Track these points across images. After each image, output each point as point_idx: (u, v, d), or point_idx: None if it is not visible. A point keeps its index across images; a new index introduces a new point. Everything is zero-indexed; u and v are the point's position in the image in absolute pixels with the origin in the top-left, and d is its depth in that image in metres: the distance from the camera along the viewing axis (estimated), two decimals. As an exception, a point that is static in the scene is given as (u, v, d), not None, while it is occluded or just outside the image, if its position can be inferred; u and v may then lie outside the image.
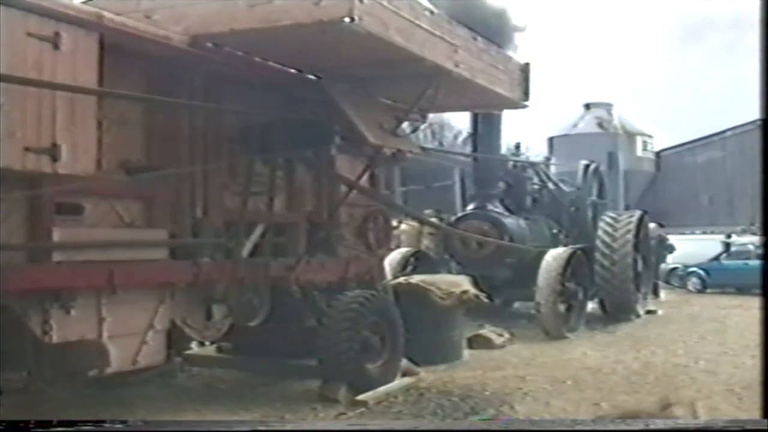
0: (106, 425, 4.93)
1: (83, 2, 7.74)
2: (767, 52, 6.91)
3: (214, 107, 8.79)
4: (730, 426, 4.41)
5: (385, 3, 7.95)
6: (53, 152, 6.64)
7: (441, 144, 47.80)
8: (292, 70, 9.22)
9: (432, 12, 8.87)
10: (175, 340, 8.73)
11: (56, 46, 6.66)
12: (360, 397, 9.46)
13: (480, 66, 9.81)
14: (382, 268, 11.81)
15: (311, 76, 9.38)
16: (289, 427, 5.58)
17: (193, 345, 10.35)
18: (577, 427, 5.29)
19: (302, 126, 9.38)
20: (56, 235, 7.19)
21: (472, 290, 12.84)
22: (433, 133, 48.80)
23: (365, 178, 10.96)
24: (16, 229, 6.94)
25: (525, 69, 11.07)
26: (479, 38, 9.89)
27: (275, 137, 9.24)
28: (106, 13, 7.17)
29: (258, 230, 9.53)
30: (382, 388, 9.87)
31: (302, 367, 10.07)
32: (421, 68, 8.92)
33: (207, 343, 10.49)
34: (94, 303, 7.50)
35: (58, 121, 6.69)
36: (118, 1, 7.88)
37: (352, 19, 7.53)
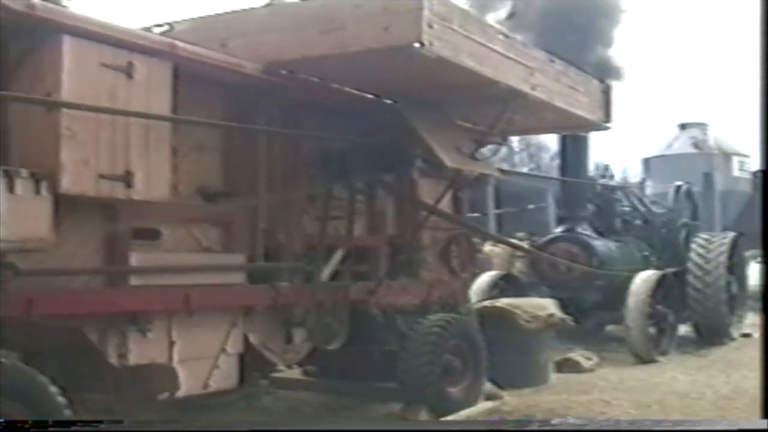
0: (102, 425, 4.88)
1: (161, 32, 7.83)
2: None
3: (291, 133, 8.77)
4: (730, 427, 4.21)
5: (455, 27, 7.85)
6: (127, 179, 6.69)
7: (538, 166, 47.37)
8: (369, 95, 9.15)
9: (506, 35, 8.74)
10: (258, 363, 8.71)
11: (130, 76, 6.71)
12: (441, 420, 9.32)
13: (558, 88, 9.64)
14: (465, 292, 11.63)
15: (388, 101, 9.29)
16: (289, 427, 5.46)
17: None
18: (581, 428, 5.08)
19: (382, 150, 9.33)
20: (133, 260, 7.22)
21: (558, 313, 12.61)
22: (531, 156, 48.43)
23: (449, 201, 10.87)
24: (93, 254, 6.98)
25: (606, 90, 10.85)
26: (557, 60, 9.72)
27: (354, 162, 9.19)
28: (179, 43, 7.20)
29: (338, 254, 9.45)
30: (463, 412, 9.72)
31: (384, 390, 9.98)
32: (496, 91, 8.78)
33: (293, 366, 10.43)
34: (165, 327, 7.50)
35: (132, 149, 6.73)
36: (195, 31, 7.92)
37: (422, 44, 7.45)
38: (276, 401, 10.74)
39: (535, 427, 5.56)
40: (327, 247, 9.15)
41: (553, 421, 8.45)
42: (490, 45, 8.45)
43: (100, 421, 5.22)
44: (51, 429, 4.32)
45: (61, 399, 6.03)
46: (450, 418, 9.42)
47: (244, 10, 8.16)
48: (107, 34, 6.60)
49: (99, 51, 6.53)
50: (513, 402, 10.74)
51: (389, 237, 10.27)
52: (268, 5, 8.20)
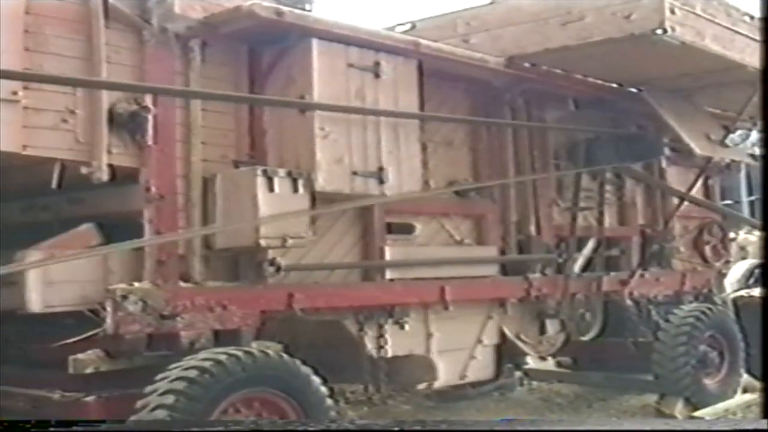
0: (103, 426, 4.66)
1: (404, 32, 7.69)
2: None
3: (537, 126, 8.46)
4: (731, 427, 3.67)
5: (698, 11, 7.34)
6: (380, 175, 6.53)
7: (792, 150, 44.47)
8: (612, 84, 8.67)
9: (752, 17, 8.07)
10: (511, 354, 8.43)
11: (377, 75, 6.56)
12: (697, 413, 8.70)
13: (810, 69, 8.81)
14: (720, 281, 10.90)
15: (632, 89, 8.77)
16: (284, 427, 5.11)
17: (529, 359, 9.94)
18: (581, 427, 4.56)
19: (629, 139, 8.88)
20: (389, 254, 7.09)
21: (819, 303, 11.58)
22: (788, 139, 45.55)
23: (699, 188, 10.26)
24: (351, 249, 6.92)
25: None
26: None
27: (602, 152, 8.75)
28: (422, 41, 6.99)
29: (589, 245, 9.05)
30: (720, 404, 9.04)
31: (638, 381, 9.43)
32: (743, 75, 8.12)
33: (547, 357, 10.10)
34: (422, 319, 7.34)
35: (382, 146, 6.58)
36: (436, 29, 7.75)
37: (665, 31, 6.99)
38: (529, 392, 10.40)
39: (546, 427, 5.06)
40: (577, 237, 8.76)
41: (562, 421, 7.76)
42: (735, 27, 7.87)
43: (102, 421, 5.08)
44: (52, 429, 4.15)
45: (323, 389, 5.92)
46: (707, 410, 8.78)
47: (484, 5, 7.92)
48: (353, 36, 6.47)
49: (346, 52, 6.41)
50: (772, 394, 9.92)
51: (640, 227, 9.77)
52: (492, 2, 7.92)
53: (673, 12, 7.09)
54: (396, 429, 4.43)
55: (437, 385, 7.53)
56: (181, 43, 5.99)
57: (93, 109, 5.55)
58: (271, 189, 5.96)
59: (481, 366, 7.93)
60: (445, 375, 7.50)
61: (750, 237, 16.94)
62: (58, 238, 5.84)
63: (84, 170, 5.52)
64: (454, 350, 7.62)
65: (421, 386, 7.54)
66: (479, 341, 7.87)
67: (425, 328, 7.36)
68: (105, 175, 5.56)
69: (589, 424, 6.42)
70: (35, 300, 5.54)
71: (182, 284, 5.83)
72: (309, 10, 6.48)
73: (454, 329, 7.57)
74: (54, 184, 5.60)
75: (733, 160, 9.96)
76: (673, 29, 7.07)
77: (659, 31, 7.04)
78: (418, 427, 4.77)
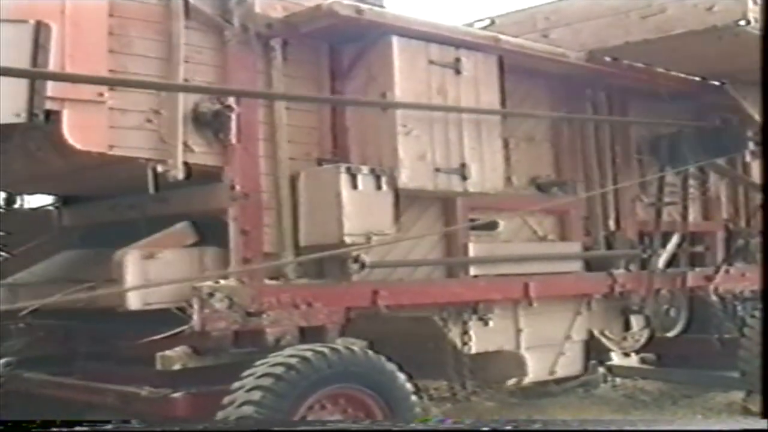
0: (108, 426, 4.50)
1: (483, 27, 7.50)
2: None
3: (620, 120, 8.25)
4: (730, 427, 3.43)
5: None
6: (462, 172, 6.37)
7: None
8: (694, 78, 8.36)
9: None
10: (595, 350, 8.22)
11: (458, 71, 6.39)
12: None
13: None
14: (808, 275, 10.47)
15: (715, 82, 8.45)
16: (282, 427, 4.92)
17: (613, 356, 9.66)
18: (581, 427, 4.32)
19: (712, 133, 8.56)
20: (472, 251, 6.92)
21: None
22: None
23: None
24: (435, 246, 6.76)
25: None
26: None
27: (685, 146, 8.45)
28: (502, 36, 6.81)
29: (673, 240, 8.74)
30: (808, 402, 8.65)
31: (724, 378, 9.07)
32: (830, 67, 7.75)
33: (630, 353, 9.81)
34: (511, 315, 7.18)
35: (465, 142, 6.40)
36: (515, 24, 7.56)
37: (748, 22, 6.70)
38: (613, 389, 10.11)
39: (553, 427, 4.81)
40: (661, 233, 8.48)
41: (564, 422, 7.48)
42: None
43: (108, 421, 4.95)
44: (54, 429, 4.01)
45: (408, 386, 5.78)
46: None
47: (564, 0, 7.69)
48: (433, 32, 6.31)
49: (426, 49, 6.25)
50: None
51: (724, 221, 9.46)
52: None
53: (755, 2, 6.78)
54: (486, 429, 4.24)
55: (527, 380, 7.39)
56: (262, 43, 5.92)
57: (177, 109, 5.49)
58: (354, 186, 5.87)
59: (570, 362, 7.75)
60: (534, 371, 7.35)
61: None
62: (154, 237, 5.84)
63: (160, 168, 5.47)
64: (543, 346, 7.46)
65: (511, 382, 7.40)
66: (568, 337, 7.69)
67: (514, 324, 7.20)
68: (180, 174, 5.49)
69: (678, 424, 6.15)
70: (134, 298, 5.50)
71: (267, 282, 5.75)
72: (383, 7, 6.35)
73: (543, 325, 7.41)
74: (151, 189, 5.56)
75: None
76: (756, 20, 6.76)
77: (742, 23, 6.75)
78: (509, 427, 4.58)
